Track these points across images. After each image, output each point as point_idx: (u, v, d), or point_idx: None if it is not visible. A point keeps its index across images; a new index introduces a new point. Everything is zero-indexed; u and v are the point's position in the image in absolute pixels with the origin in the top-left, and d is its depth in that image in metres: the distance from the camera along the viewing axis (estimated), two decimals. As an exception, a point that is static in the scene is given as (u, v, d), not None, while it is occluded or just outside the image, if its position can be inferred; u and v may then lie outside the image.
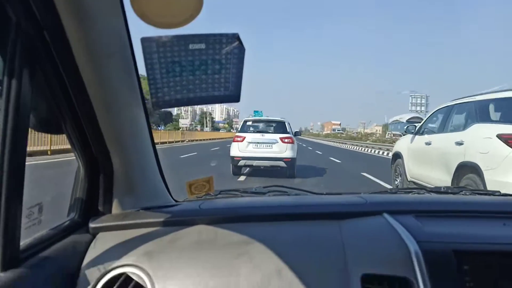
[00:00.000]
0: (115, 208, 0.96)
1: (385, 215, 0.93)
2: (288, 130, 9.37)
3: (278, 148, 8.84)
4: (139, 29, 0.74)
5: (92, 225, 0.90)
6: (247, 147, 8.92)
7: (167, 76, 0.75)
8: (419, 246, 0.78)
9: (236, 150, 8.94)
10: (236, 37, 0.74)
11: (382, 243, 0.83)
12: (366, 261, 0.78)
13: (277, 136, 8.99)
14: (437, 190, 1.28)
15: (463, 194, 1.24)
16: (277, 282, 0.76)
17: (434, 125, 6.19)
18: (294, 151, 8.99)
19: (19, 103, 0.60)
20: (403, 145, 6.96)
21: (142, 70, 0.76)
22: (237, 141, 9.05)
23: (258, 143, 8.94)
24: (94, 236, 0.90)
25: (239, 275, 0.78)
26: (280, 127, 9.42)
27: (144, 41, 0.70)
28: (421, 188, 1.30)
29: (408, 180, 6.45)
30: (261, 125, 9.73)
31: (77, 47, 0.68)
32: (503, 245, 0.81)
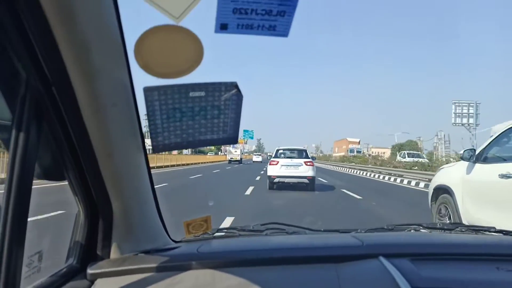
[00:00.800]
0: (114, 253, 0.96)
1: (381, 258, 0.94)
2: (309, 156, 13.32)
3: (303, 169, 12.34)
4: (142, 79, 0.78)
5: (90, 271, 0.89)
6: (280, 168, 12.38)
7: (167, 122, 0.78)
8: None
9: (272, 171, 12.48)
10: (234, 85, 0.77)
11: None
12: None
13: (302, 160, 12.50)
14: (433, 227, 1.29)
15: (458, 231, 1.26)
16: None
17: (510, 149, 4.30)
18: (314, 171, 12.59)
19: (25, 156, 0.62)
20: (454, 176, 4.88)
21: (143, 115, 0.78)
22: (273, 164, 12.60)
23: (288, 165, 12.40)
24: (92, 282, 0.89)
25: None
26: (302, 153, 13.25)
27: (147, 90, 0.73)
28: (417, 224, 1.31)
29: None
30: (288, 152, 13.36)
31: (83, 99, 0.71)
32: None
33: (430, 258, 0.97)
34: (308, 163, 12.49)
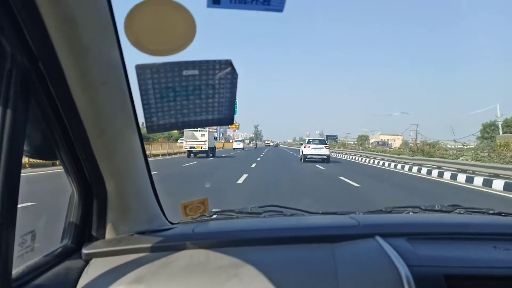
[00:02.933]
0: (109, 233, 0.95)
1: (378, 238, 0.93)
2: (327, 143, 23.41)
3: (323, 151, 21.92)
4: (134, 56, 0.76)
5: (85, 251, 0.89)
6: (310, 150, 22.05)
7: (161, 101, 0.76)
8: (410, 270, 0.78)
9: (305, 151, 22.14)
10: (229, 63, 0.76)
11: (374, 268, 0.83)
12: (358, 286, 0.79)
13: (322, 145, 22.19)
14: (431, 209, 1.29)
15: (457, 213, 1.25)
16: None
17: None
18: (329, 151, 22.44)
19: (14, 132, 0.61)
20: (302, 149, 5.74)
21: (136, 95, 0.76)
22: (306, 147, 22.26)
23: (314, 147, 22.05)
24: (87, 262, 0.89)
25: None
26: (323, 141, 23.20)
27: (139, 68, 0.71)
28: (415, 206, 1.31)
29: None
30: (316, 140, 23.13)
31: (71, 76, 0.69)
32: (493, 269, 0.82)
33: (427, 237, 0.97)
34: (326, 147, 22.45)
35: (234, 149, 48.14)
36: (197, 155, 24.77)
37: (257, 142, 70.89)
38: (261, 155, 28.81)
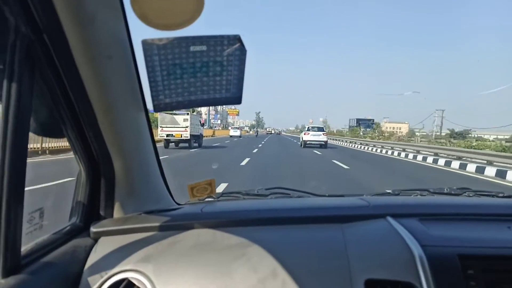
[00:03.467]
0: (117, 212, 0.95)
1: (389, 218, 0.92)
2: (324, 130, 25.43)
3: (321, 137, 23.71)
4: (140, 32, 0.74)
5: (93, 229, 0.89)
6: (309, 136, 23.92)
7: (168, 79, 0.75)
8: (424, 250, 0.77)
9: (305, 137, 24.03)
10: (237, 38, 0.73)
11: (385, 247, 0.82)
12: (369, 266, 0.77)
13: (321, 132, 24.07)
14: (440, 192, 1.27)
15: (466, 196, 1.23)
16: (273, 283, 0.75)
17: None
18: (327, 138, 24.48)
19: (19, 107, 0.60)
20: (302, 135, 6.27)
21: (143, 72, 0.75)
22: (306, 134, 24.20)
23: (313, 134, 23.91)
24: (95, 240, 0.89)
25: (236, 276, 0.77)
26: (321, 129, 25.10)
27: (145, 43, 0.69)
28: (423, 189, 1.29)
29: None
30: (314, 128, 25.24)
31: (77, 49, 0.68)
32: (508, 249, 0.80)
33: (439, 218, 0.95)
34: (324, 134, 24.50)
35: (230, 136, 45.79)
36: (179, 145, 19.28)
37: (258, 129, 65.44)
38: (260, 145, 26.21)
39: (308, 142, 23.82)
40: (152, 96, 0.77)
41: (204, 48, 0.73)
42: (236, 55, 0.76)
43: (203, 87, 0.79)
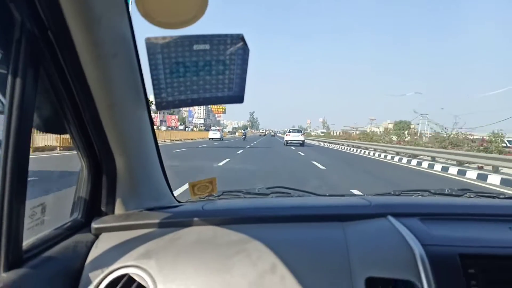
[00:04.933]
0: (118, 209, 0.96)
1: (390, 217, 0.92)
2: (302, 132, 33.41)
3: (299, 138, 30.77)
4: (144, 29, 0.74)
5: (94, 225, 0.90)
6: (290, 137, 31.09)
7: (171, 77, 0.75)
8: (425, 249, 0.77)
9: (287, 137, 31.24)
10: (240, 37, 0.74)
11: (386, 246, 0.82)
12: (370, 264, 0.78)
13: (299, 134, 31.63)
14: (441, 192, 1.27)
15: (467, 197, 1.23)
16: (272, 278, 0.76)
17: None
18: (304, 138, 31.78)
19: (23, 103, 0.60)
20: (286, 136, 7.25)
21: (146, 70, 0.75)
22: (288, 135, 31.70)
23: (293, 135, 31.14)
24: (97, 236, 0.89)
25: (236, 271, 0.78)
26: (300, 131, 32.90)
27: (149, 41, 0.70)
28: (424, 190, 1.29)
29: None
30: (294, 130, 32.68)
31: (81, 46, 0.68)
32: (509, 249, 0.80)
33: (440, 218, 0.96)
34: (301, 135, 31.39)
35: (210, 139, 39.35)
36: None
37: (246, 131, 51.53)
38: (239, 151, 19.34)
39: (289, 141, 30.94)
40: (154, 94, 0.77)
41: (207, 46, 0.74)
42: (239, 54, 0.76)
43: (205, 86, 0.79)
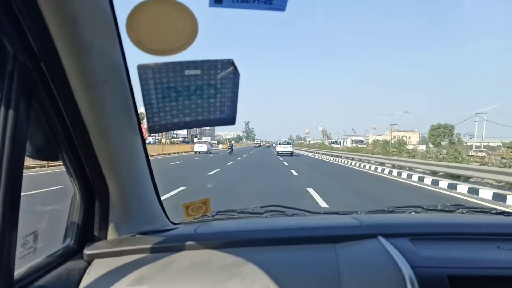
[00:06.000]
0: (111, 234, 0.95)
1: (380, 238, 0.93)
2: (291, 143, 40.38)
3: (288, 148, 35.87)
4: (136, 55, 0.76)
5: (87, 251, 0.89)
6: (280, 148, 36.11)
7: (163, 101, 0.76)
8: (414, 271, 0.78)
9: (278, 148, 36.62)
10: (230, 62, 0.75)
11: (377, 268, 0.83)
12: (361, 286, 0.78)
13: (288, 145, 36.94)
14: (433, 208, 1.28)
15: (460, 212, 1.24)
16: None
17: None
18: (292, 148, 37.22)
19: (16, 133, 0.60)
20: (277, 147, 9.18)
21: (138, 95, 0.76)
22: (279, 146, 36.85)
23: (283, 146, 36.07)
24: (89, 263, 0.88)
25: None
26: (289, 142, 38.66)
27: (140, 68, 0.71)
28: (417, 206, 1.30)
29: None
30: (284, 142, 38.06)
31: (73, 76, 0.69)
32: (496, 270, 0.81)
33: (430, 238, 0.96)
34: (290, 146, 36.58)
35: (196, 152, 35.99)
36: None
37: (231, 143, 41.93)
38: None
39: (279, 152, 35.35)
40: (147, 118, 0.78)
41: (198, 72, 0.75)
42: (230, 78, 0.77)
43: (197, 109, 0.80)
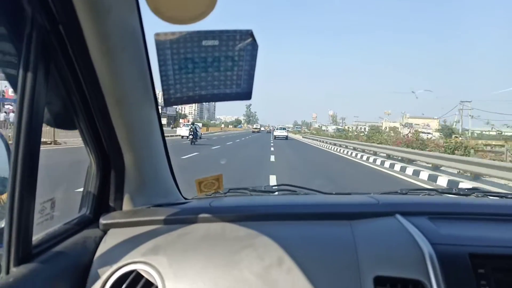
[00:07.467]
0: (126, 205, 0.96)
1: (398, 216, 0.92)
2: (286, 129, 52.19)
3: (284, 133, 45.45)
4: (153, 25, 0.74)
5: (103, 221, 0.90)
6: (277, 132, 46.14)
7: (179, 73, 0.75)
8: (434, 248, 0.76)
9: (275, 132, 47.24)
10: (249, 33, 0.73)
11: (395, 245, 0.82)
12: (379, 263, 0.77)
13: (284, 130, 46.81)
14: (448, 192, 1.26)
15: (475, 196, 1.22)
16: (278, 270, 0.76)
17: None
18: (287, 133, 48.27)
19: (34, 98, 0.60)
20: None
21: (155, 66, 0.75)
22: (276, 131, 47.86)
23: (279, 131, 45.76)
24: (105, 232, 0.90)
25: (242, 265, 0.78)
26: (284, 128, 49.18)
27: (158, 37, 0.70)
28: (432, 189, 1.29)
29: None
30: (280, 127, 49.86)
31: (91, 41, 0.68)
32: None
33: (448, 217, 0.95)
34: (286, 131, 46.29)
35: (182, 137, 28.25)
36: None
37: (196, 127, 23.41)
38: None
39: (276, 136, 42.47)
40: (162, 90, 0.77)
41: (216, 42, 0.73)
42: (248, 50, 0.76)
43: (213, 82, 0.79)
